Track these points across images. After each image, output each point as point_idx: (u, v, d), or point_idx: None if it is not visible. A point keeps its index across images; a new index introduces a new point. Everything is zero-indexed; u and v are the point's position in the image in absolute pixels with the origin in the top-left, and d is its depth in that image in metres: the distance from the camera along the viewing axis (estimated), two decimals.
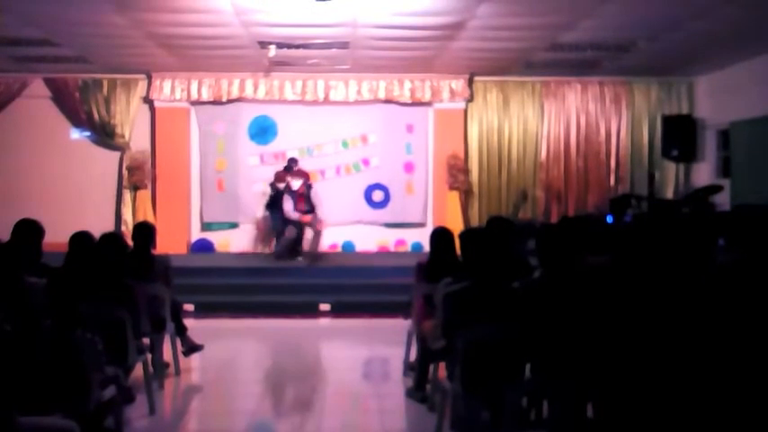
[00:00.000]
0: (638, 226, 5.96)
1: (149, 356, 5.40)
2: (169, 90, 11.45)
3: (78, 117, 11.58)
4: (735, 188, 10.29)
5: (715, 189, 10.05)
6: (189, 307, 8.24)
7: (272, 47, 9.30)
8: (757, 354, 3.15)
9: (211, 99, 11.51)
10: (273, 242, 10.75)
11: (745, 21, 7.99)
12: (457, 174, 11.52)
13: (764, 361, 3.13)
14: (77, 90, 11.47)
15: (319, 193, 10.41)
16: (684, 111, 11.65)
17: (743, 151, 10.28)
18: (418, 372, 5.46)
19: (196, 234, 11.69)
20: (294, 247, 10.28)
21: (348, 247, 11.65)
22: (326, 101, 11.55)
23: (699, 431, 3.18)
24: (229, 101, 11.56)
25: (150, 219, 10.76)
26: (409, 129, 11.81)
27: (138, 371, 5.15)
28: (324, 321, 9.03)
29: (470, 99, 11.72)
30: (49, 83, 11.47)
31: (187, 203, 11.62)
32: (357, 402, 5.90)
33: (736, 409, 3.11)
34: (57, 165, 11.55)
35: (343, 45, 9.34)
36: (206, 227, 11.71)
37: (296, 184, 10.21)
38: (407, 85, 11.57)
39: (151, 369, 5.40)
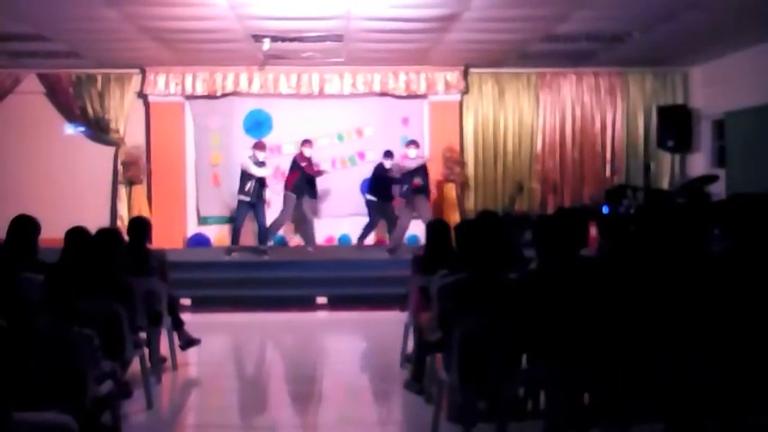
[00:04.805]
0: (634, 217, 5.97)
1: (146, 351, 5.40)
2: (163, 84, 11.42)
3: (72, 112, 11.55)
4: (730, 178, 10.31)
5: (710, 179, 10.06)
6: (186, 301, 8.25)
7: (267, 40, 9.27)
8: (751, 339, 3.16)
9: (206, 93, 11.49)
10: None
11: (740, 11, 7.99)
12: (453, 166, 11.52)
13: (759, 347, 3.14)
14: (71, 85, 11.44)
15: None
16: (679, 101, 11.66)
17: (738, 141, 10.30)
18: (415, 363, 5.47)
19: (192, 228, 11.68)
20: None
21: (344, 239, 11.66)
22: (321, 94, 11.53)
23: (693, 416, 3.20)
24: (224, 95, 11.54)
25: (146, 214, 10.74)
26: (405, 121, 11.80)
27: (136, 366, 5.14)
28: (321, 314, 9.03)
29: (466, 91, 11.71)
30: (43, 78, 11.44)
31: (183, 198, 11.61)
32: (354, 394, 5.91)
33: (732, 395, 3.13)
34: (51, 160, 11.53)
35: (338, 38, 9.32)
36: (202, 221, 11.72)
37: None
38: (402, 77, 11.55)
39: (148, 364, 5.40)
